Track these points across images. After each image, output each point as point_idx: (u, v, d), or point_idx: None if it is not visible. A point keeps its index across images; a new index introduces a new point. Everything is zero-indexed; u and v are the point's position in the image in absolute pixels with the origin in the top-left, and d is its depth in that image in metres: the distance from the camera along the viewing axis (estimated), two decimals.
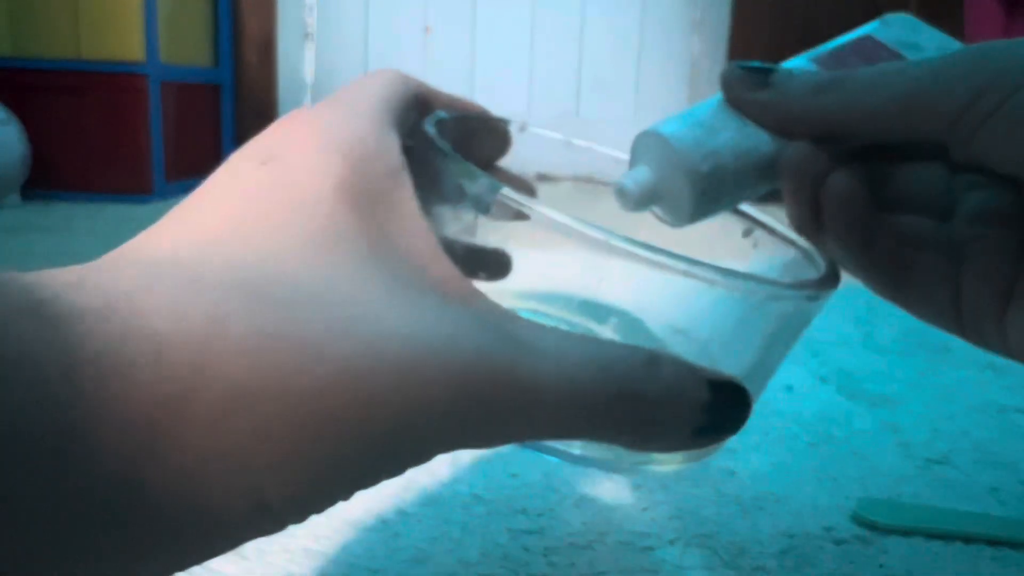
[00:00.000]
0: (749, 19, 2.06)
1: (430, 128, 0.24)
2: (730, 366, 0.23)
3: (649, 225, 0.31)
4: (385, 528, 0.41)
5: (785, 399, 0.61)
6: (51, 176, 1.65)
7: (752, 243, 0.32)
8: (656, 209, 0.28)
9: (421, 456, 0.18)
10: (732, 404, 0.22)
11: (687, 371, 0.21)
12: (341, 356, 0.16)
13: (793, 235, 0.30)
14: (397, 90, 0.24)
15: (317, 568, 0.37)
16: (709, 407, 0.21)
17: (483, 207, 0.22)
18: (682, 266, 0.22)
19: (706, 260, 0.22)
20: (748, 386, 0.23)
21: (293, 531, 0.40)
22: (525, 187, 0.33)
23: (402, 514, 0.42)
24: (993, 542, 0.41)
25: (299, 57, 2.09)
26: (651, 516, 0.43)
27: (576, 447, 0.26)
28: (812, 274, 0.27)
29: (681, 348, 0.25)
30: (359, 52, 2.13)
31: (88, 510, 0.14)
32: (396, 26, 2.12)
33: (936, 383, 0.67)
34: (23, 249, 1.16)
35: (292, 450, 0.16)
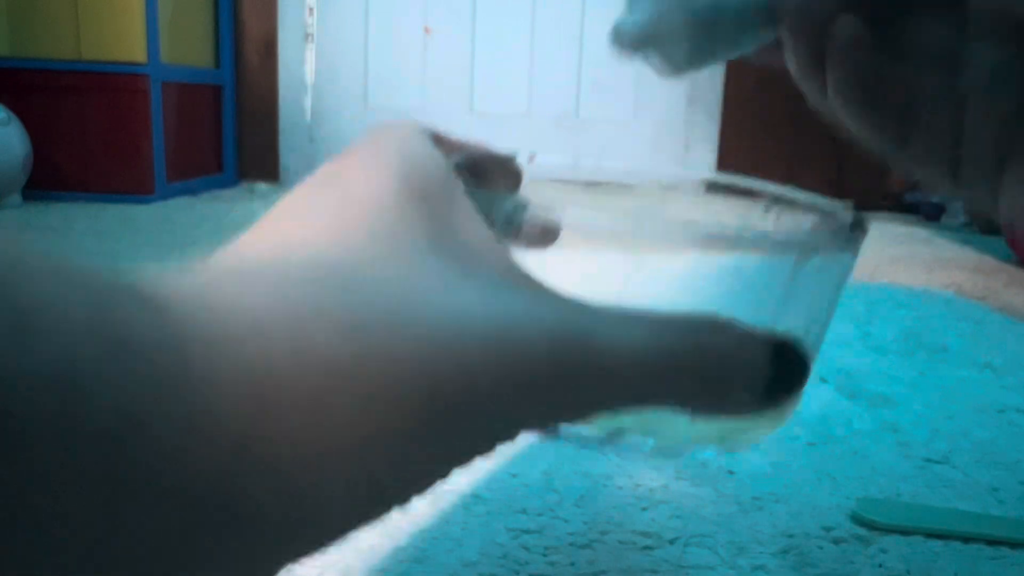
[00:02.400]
0: None
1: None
2: (782, 328, 0.24)
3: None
4: (385, 527, 0.41)
5: None
6: (52, 176, 1.65)
7: (775, 216, 0.31)
8: (651, 56, 0.27)
9: (511, 429, 0.18)
10: (791, 362, 0.22)
11: (749, 332, 0.22)
12: (434, 333, 0.17)
13: (814, 200, 0.29)
14: (420, 129, 0.25)
15: (317, 567, 0.37)
16: (772, 364, 0.21)
17: (513, 229, 0.23)
18: (729, 233, 0.22)
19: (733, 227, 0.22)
20: (804, 344, 0.23)
21: None
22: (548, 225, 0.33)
23: (402, 514, 0.42)
24: (992, 542, 0.41)
25: (300, 58, 2.09)
26: (651, 516, 0.43)
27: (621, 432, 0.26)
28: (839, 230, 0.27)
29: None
30: (359, 53, 2.13)
31: (207, 492, 0.14)
32: (396, 27, 2.12)
33: (935, 383, 0.67)
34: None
35: (398, 425, 0.16)
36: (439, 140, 0.27)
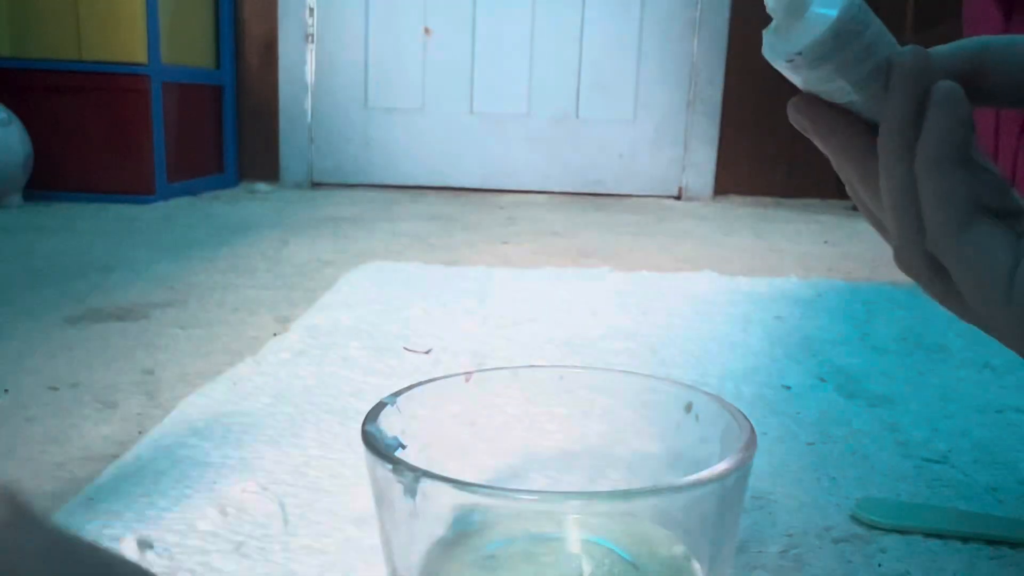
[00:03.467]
0: (749, 19, 2.06)
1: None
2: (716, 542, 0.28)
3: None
4: None
5: (784, 399, 0.61)
6: (53, 177, 1.65)
7: (694, 417, 0.34)
8: (783, 20, 0.29)
9: None
10: None
11: None
12: None
13: (729, 404, 0.32)
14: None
15: (318, 566, 0.37)
16: None
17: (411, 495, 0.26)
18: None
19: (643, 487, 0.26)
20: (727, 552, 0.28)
21: (295, 530, 0.40)
22: None
23: None
24: (991, 541, 0.41)
25: (300, 58, 2.09)
26: None
27: None
28: (745, 434, 0.30)
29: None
30: (360, 53, 2.13)
31: None
32: (396, 27, 2.13)
33: (935, 383, 0.67)
34: (25, 249, 1.17)
35: None
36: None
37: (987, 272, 0.28)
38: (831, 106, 0.32)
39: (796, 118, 0.32)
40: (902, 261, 0.32)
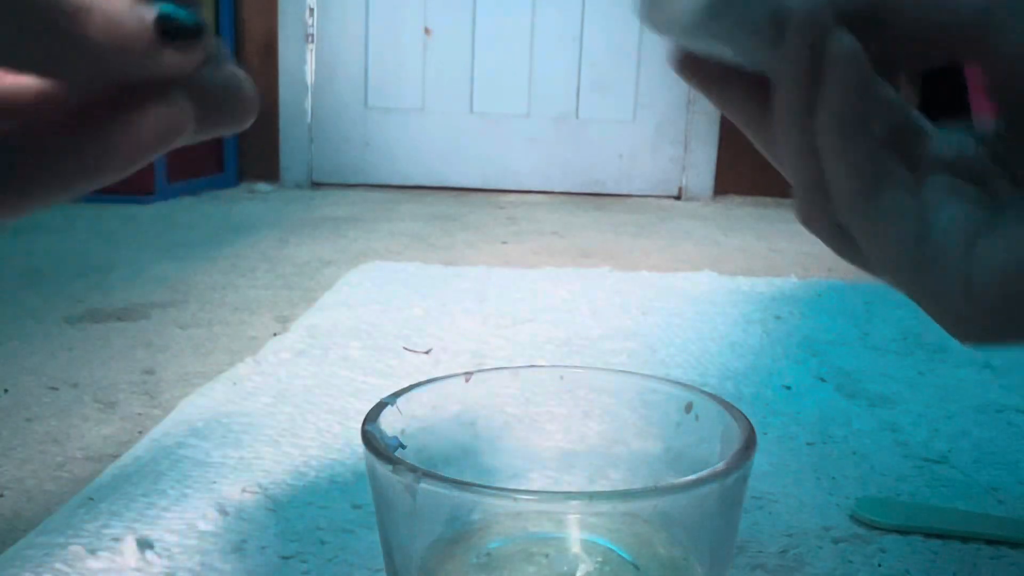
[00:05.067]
0: None
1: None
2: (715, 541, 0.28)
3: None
4: None
5: (784, 399, 0.61)
6: None
7: (694, 417, 0.34)
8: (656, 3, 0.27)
9: None
10: None
11: None
12: None
13: (729, 404, 0.32)
14: None
15: (318, 567, 0.37)
16: None
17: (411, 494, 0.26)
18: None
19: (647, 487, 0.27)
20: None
21: (296, 530, 0.40)
22: None
23: None
24: (991, 541, 0.41)
25: (300, 58, 2.09)
26: None
27: None
28: (745, 434, 0.30)
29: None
30: (360, 54, 2.13)
31: None
32: (396, 27, 2.13)
33: (935, 383, 0.67)
34: (25, 249, 1.16)
35: None
36: None
37: (895, 243, 0.25)
38: (719, 66, 0.28)
39: (683, 76, 0.29)
40: (802, 218, 0.30)
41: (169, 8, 0.20)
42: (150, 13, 0.20)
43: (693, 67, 0.29)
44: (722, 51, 0.27)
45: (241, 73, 0.23)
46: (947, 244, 0.25)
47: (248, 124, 0.23)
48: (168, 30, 0.20)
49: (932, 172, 0.27)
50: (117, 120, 0.21)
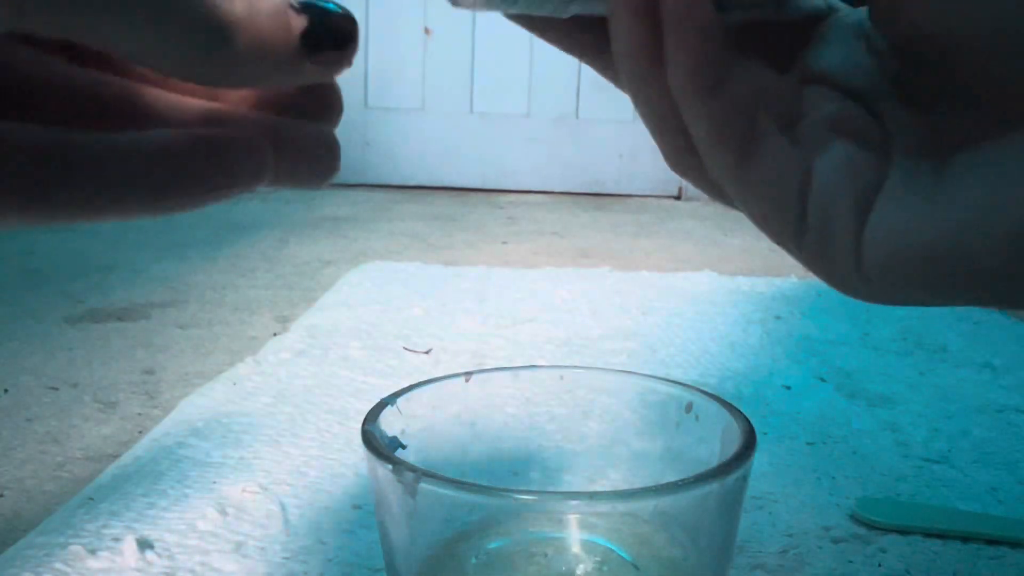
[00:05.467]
0: None
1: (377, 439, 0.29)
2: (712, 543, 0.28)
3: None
4: None
5: (784, 398, 0.61)
6: None
7: (694, 417, 0.34)
8: None
9: None
10: None
11: None
12: None
13: (729, 404, 0.32)
14: None
15: (318, 567, 0.37)
16: None
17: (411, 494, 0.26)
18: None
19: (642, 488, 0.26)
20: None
21: (295, 530, 0.40)
22: None
23: None
24: (991, 541, 0.42)
25: None
26: None
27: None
28: (745, 434, 0.29)
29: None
30: (359, 53, 2.12)
31: None
32: (396, 27, 2.13)
33: (935, 383, 0.67)
34: (25, 249, 1.16)
35: None
36: None
37: (775, 212, 0.22)
38: (552, 23, 0.24)
39: (546, 41, 0.26)
40: (674, 170, 0.27)
41: (319, 10, 0.18)
42: (300, 21, 0.18)
43: (537, 30, 0.25)
44: (541, 7, 0.23)
45: (328, 130, 0.22)
46: (832, 214, 0.21)
47: (323, 186, 0.22)
48: (314, 43, 0.19)
49: (813, 83, 0.23)
50: (201, 152, 0.19)
